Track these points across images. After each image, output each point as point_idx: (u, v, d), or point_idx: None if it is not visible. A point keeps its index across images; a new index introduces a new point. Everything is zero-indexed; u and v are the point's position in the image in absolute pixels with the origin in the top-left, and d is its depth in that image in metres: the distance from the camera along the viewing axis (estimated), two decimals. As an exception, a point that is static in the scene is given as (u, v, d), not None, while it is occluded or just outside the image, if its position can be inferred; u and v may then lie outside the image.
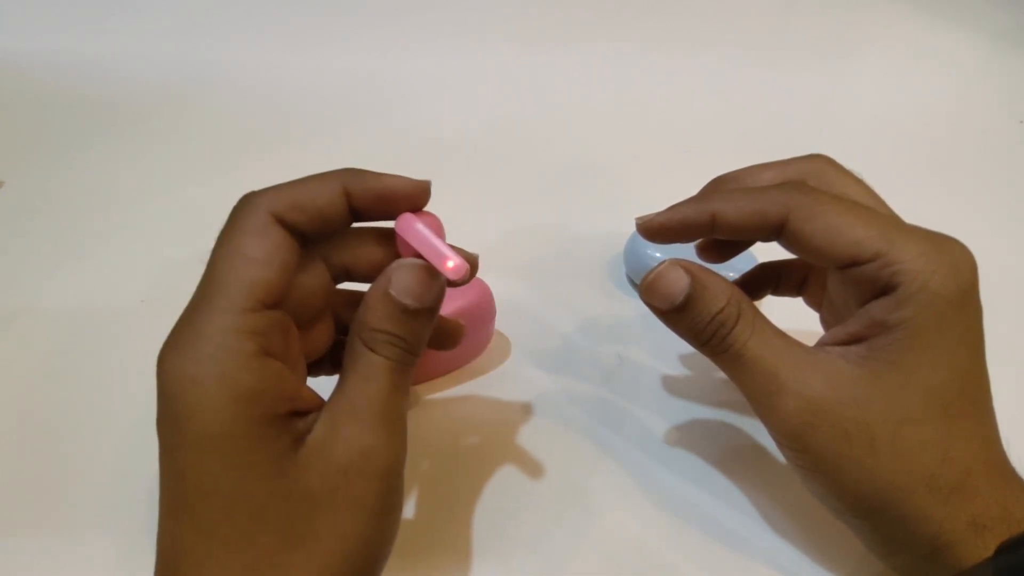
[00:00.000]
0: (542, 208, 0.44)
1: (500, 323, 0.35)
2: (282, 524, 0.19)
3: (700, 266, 0.24)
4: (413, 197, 0.22)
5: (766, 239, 0.24)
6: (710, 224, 0.24)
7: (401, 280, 0.21)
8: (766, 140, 0.50)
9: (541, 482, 0.30)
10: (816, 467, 0.22)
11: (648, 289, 0.24)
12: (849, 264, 0.22)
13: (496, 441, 0.31)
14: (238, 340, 0.19)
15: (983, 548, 0.21)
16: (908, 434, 0.21)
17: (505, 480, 0.30)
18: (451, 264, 0.20)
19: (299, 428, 0.20)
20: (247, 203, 0.21)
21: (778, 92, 0.56)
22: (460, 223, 0.42)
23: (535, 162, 0.48)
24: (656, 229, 0.25)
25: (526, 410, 0.33)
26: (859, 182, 0.25)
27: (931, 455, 0.21)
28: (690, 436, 0.32)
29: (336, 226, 0.22)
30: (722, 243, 0.28)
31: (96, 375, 0.34)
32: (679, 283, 0.23)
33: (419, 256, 0.21)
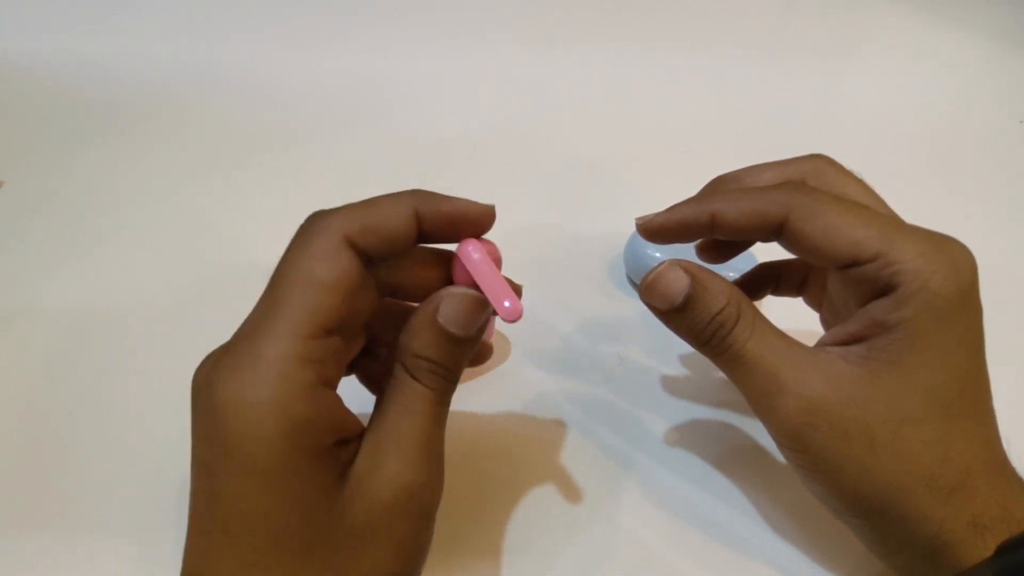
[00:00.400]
0: (542, 208, 0.44)
1: (500, 323, 0.35)
2: (324, 561, 0.18)
3: (700, 266, 0.24)
4: (480, 221, 0.22)
5: (766, 239, 0.24)
6: (710, 224, 0.24)
7: (451, 309, 0.21)
8: (766, 140, 0.50)
9: (540, 482, 0.30)
10: (816, 467, 0.22)
11: (648, 289, 0.24)
12: (849, 264, 0.22)
13: (495, 441, 0.31)
14: (299, 369, 0.18)
15: (983, 548, 0.21)
16: (908, 434, 0.21)
17: (504, 480, 0.30)
18: (508, 305, 0.20)
19: (343, 457, 0.20)
20: (318, 223, 0.20)
21: (778, 92, 0.56)
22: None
23: (535, 162, 0.48)
24: (656, 229, 0.25)
25: (526, 410, 0.33)
26: (859, 182, 0.25)
27: (931, 455, 0.21)
28: (690, 436, 0.32)
29: (404, 250, 0.21)
30: (722, 243, 0.28)
31: (96, 375, 0.34)
32: (679, 284, 0.23)
33: (472, 284, 0.21)
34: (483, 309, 0.21)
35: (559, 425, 0.32)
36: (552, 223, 0.43)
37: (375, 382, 0.25)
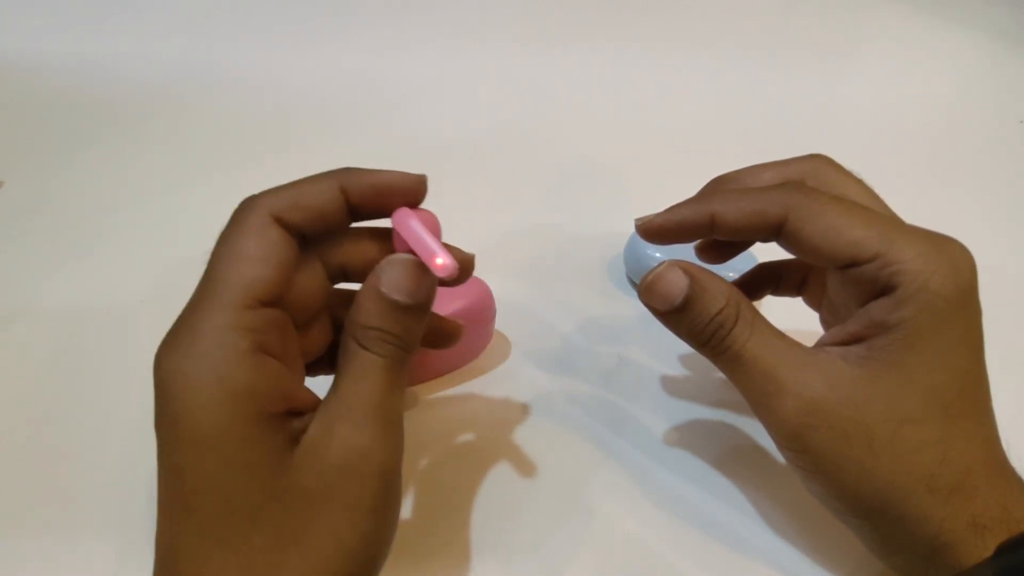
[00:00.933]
0: (542, 208, 0.44)
1: (500, 323, 0.35)
2: (278, 523, 0.19)
3: (699, 267, 0.24)
4: (410, 192, 0.22)
5: (765, 240, 0.24)
6: (709, 225, 0.24)
7: (391, 276, 0.21)
8: (766, 140, 0.50)
9: (540, 482, 0.30)
10: (816, 467, 0.22)
11: (647, 290, 0.24)
12: (848, 264, 0.22)
13: (495, 441, 0.31)
14: (234, 337, 0.19)
15: (983, 548, 0.21)
16: (908, 434, 0.21)
17: (505, 480, 0.30)
18: (440, 262, 0.20)
19: (295, 428, 0.20)
20: (247, 204, 0.21)
21: (778, 92, 0.56)
22: (460, 223, 0.42)
23: (535, 162, 0.48)
24: (655, 230, 0.25)
25: (526, 410, 0.33)
26: (859, 182, 0.25)
27: (931, 455, 0.21)
28: (690, 436, 0.32)
29: (335, 225, 0.22)
30: (721, 244, 0.28)
31: (96, 375, 0.34)
32: (678, 284, 0.23)
33: (412, 252, 0.21)
34: (424, 274, 0.21)
35: (559, 425, 0.32)
36: (552, 223, 0.43)
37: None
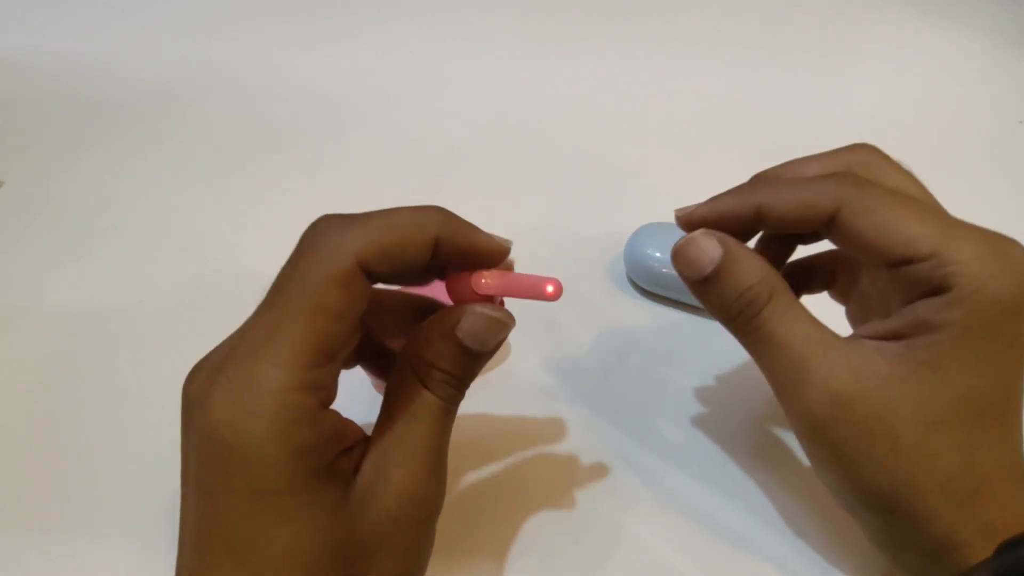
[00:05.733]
0: (542, 208, 0.44)
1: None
2: (334, 575, 0.18)
3: (736, 241, 0.22)
4: (497, 259, 0.22)
5: (812, 235, 0.23)
6: (755, 217, 0.23)
7: (473, 324, 0.20)
8: (766, 140, 0.50)
9: (540, 482, 0.30)
10: (834, 459, 0.22)
11: (678, 255, 0.23)
12: (902, 262, 0.21)
13: (495, 441, 0.31)
14: (301, 397, 0.17)
15: (991, 552, 0.21)
16: (934, 438, 0.21)
17: (504, 480, 0.30)
18: (551, 289, 0.21)
19: (346, 468, 0.19)
20: (332, 240, 0.18)
21: (779, 92, 0.56)
22: (460, 223, 0.43)
23: (536, 162, 0.48)
24: (697, 222, 0.23)
25: (526, 410, 0.33)
26: (907, 174, 0.23)
27: (954, 460, 0.21)
28: (690, 435, 0.32)
29: (415, 275, 0.21)
30: (772, 246, 0.27)
31: (96, 375, 0.34)
32: (710, 253, 0.22)
33: (482, 299, 0.21)
34: (503, 328, 0.21)
35: (559, 425, 0.32)
36: (552, 223, 0.43)
37: (364, 359, 0.25)
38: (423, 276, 0.22)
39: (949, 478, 0.21)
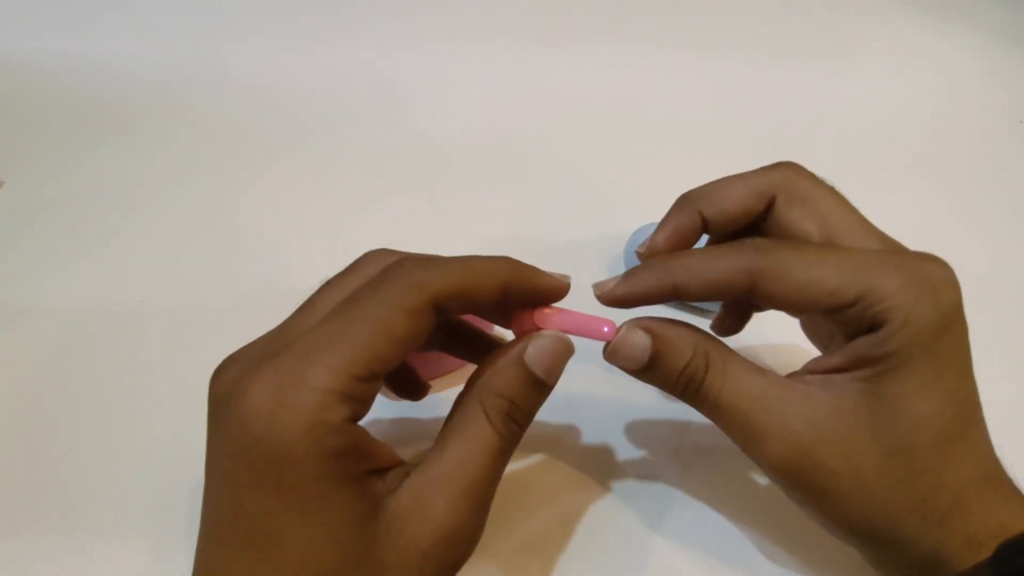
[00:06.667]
0: (542, 208, 0.44)
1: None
2: None
3: (661, 321, 0.23)
4: (557, 296, 0.23)
5: (740, 300, 0.24)
6: (673, 295, 0.23)
7: (541, 350, 0.21)
8: (765, 140, 0.51)
9: (540, 482, 0.30)
10: (807, 500, 0.22)
11: (613, 355, 0.24)
12: (831, 311, 0.21)
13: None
14: (338, 404, 0.18)
15: None
16: (896, 465, 0.21)
17: (504, 480, 0.30)
18: (607, 329, 0.22)
19: (377, 489, 0.19)
20: (416, 276, 0.20)
21: (777, 92, 0.56)
22: (461, 223, 0.43)
23: (535, 162, 0.48)
24: (617, 301, 0.24)
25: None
26: (830, 190, 0.24)
27: (923, 483, 0.21)
28: (691, 436, 0.32)
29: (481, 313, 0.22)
30: (731, 317, 0.29)
31: (97, 375, 0.34)
32: (640, 345, 0.23)
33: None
34: (567, 352, 0.22)
35: (558, 425, 0.32)
36: (552, 223, 0.43)
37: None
38: (489, 315, 0.25)
39: (922, 501, 0.21)
